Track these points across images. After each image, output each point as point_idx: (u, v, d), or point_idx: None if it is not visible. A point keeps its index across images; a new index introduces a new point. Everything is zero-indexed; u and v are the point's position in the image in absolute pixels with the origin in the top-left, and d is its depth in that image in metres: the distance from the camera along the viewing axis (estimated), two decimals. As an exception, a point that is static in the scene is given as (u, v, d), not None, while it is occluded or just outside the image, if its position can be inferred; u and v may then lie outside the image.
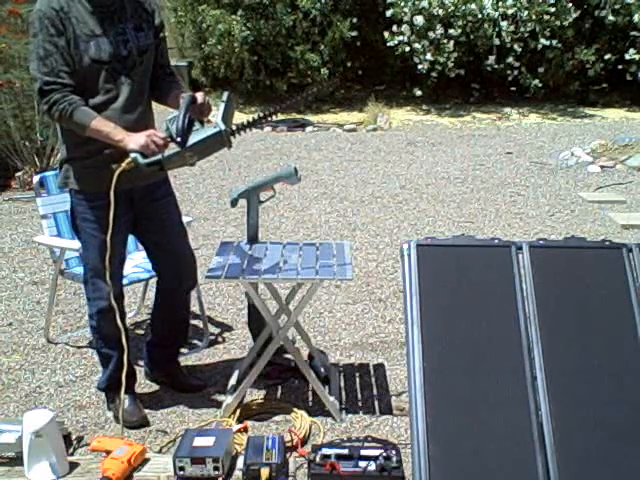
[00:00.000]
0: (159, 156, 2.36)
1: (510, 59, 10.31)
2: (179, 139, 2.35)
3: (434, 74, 10.42)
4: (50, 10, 2.33)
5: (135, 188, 2.55)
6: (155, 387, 2.99)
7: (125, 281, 3.02)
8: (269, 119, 2.49)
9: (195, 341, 3.40)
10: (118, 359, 2.64)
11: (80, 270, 3.08)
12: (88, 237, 2.58)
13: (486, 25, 9.91)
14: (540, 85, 10.58)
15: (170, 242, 2.74)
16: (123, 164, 2.36)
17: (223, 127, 2.38)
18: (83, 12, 2.38)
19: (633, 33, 10.11)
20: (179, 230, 2.79)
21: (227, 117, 2.43)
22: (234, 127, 2.45)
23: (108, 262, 2.47)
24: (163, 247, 2.75)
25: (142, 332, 3.54)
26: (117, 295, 2.63)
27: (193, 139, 2.38)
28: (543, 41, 10.02)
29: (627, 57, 10.12)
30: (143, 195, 2.61)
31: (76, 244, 3.09)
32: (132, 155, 2.35)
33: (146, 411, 2.74)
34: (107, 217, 2.44)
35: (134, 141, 2.35)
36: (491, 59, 10.26)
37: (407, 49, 10.24)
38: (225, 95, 2.47)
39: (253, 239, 2.92)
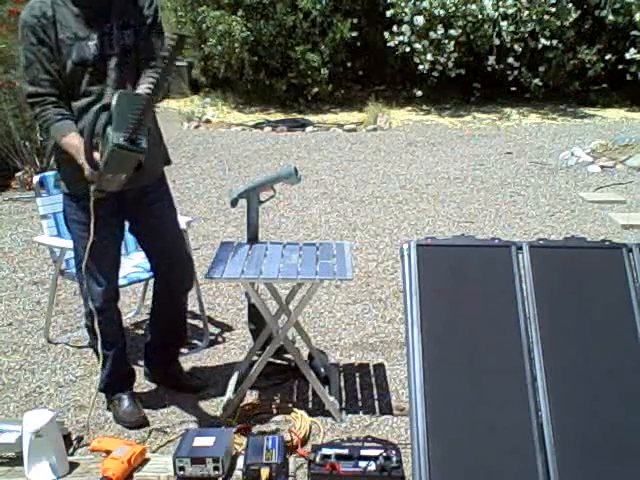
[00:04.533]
0: (94, 185, 2.31)
1: (510, 59, 10.31)
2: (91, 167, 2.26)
3: (434, 74, 10.43)
4: (31, 18, 2.34)
5: (127, 191, 2.48)
6: (155, 387, 2.99)
7: (125, 281, 3.03)
8: (159, 93, 2.13)
9: (195, 341, 3.40)
10: (114, 359, 2.65)
11: (80, 270, 3.09)
12: (77, 238, 2.58)
13: (486, 25, 9.92)
14: (540, 85, 10.59)
15: (165, 245, 2.73)
16: (92, 198, 2.35)
17: (113, 142, 2.09)
18: (68, 15, 2.36)
19: (633, 33, 10.11)
20: (174, 233, 2.77)
21: (123, 124, 2.10)
22: (128, 133, 2.12)
23: (97, 262, 2.51)
24: (158, 249, 2.74)
25: (142, 332, 3.53)
26: (111, 295, 2.63)
27: (102, 161, 2.21)
28: (543, 41, 10.02)
29: (627, 57, 10.11)
30: (136, 197, 2.56)
31: (76, 244, 3.09)
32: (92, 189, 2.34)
33: (146, 411, 2.74)
34: (93, 218, 2.45)
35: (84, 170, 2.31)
36: (491, 59, 10.27)
37: (407, 49, 10.24)
38: (114, 97, 2.14)
39: (253, 239, 2.92)
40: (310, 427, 2.61)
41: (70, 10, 2.36)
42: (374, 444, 2.44)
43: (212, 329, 3.53)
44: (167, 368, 2.99)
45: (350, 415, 2.74)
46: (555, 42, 10.08)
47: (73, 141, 2.35)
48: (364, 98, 11.06)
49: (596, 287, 2.11)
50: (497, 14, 9.84)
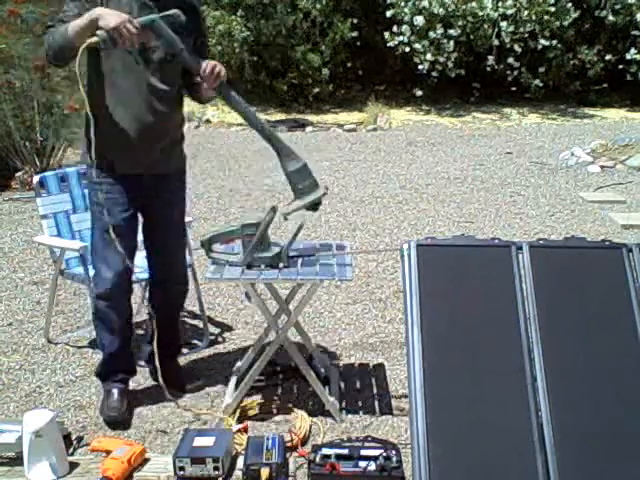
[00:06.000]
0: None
1: (510, 59, 10.31)
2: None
3: (434, 74, 10.43)
4: None
5: (144, 176, 2.58)
6: (155, 387, 2.98)
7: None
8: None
9: (195, 341, 3.40)
10: (112, 349, 2.68)
11: (80, 270, 3.08)
12: (95, 221, 2.63)
13: (486, 25, 9.92)
14: (540, 85, 10.58)
15: (162, 241, 2.76)
16: (89, 40, 2.27)
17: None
18: None
19: (634, 32, 10.12)
20: (175, 231, 2.79)
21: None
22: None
23: (109, 246, 2.54)
24: (155, 243, 2.77)
25: (142, 332, 3.53)
26: (119, 283, 2.62)
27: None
28: (543, 41, 10.02)
29: (628, 57, 10.12)
30: (154, 184, 2.61)
31: (76, 244, 3.09)
32: (98, 33, 2.24)
33: (146, 411, 2.74)
34: (110, 201, 2.52)
35: (106, 20, 2.23)
36: (491, 59, 10.28)
37: (407, 49, 10.25)
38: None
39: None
40: (310, 427, 2.61)
41: None
42: (374, 444, 2.44)
43: (212, 329, 3.53)
44: (164, 367, 2.98)
45: (350, 415, 2.74)
46: (555, 42, 10.08)
47: (79, 19, 2.29)
48: (364, 98, 11.06)
49: (596, 287, 2.11)
50: (497, 14, 9.84)
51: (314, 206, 2.62)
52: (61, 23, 2.37)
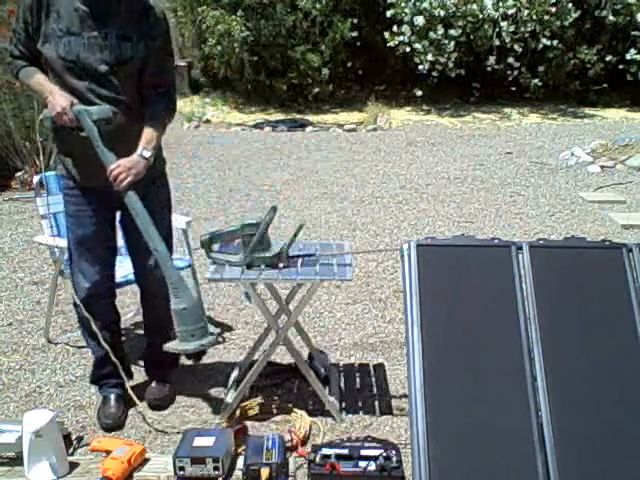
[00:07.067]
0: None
1: (510, 59, 10.32)
2: None
3: (434, 74, 10.43)
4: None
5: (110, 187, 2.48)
6: (155, 387, 2.98)
7: (125, 281, 3.02)
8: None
9: (195, 341, 3.40)
10: (98, 355, 2.70)
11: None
12: (68, 231, 2.63)
13: (486, 25, 9.93)
14: (540, 85, 10.59)
15: (138, 247, 2.63)
16: (40, 117, 2.46)
17: None
18: (67, 7, 2.36)
19: (634, 33, 10.12)
20: (160, 233, 2.72)
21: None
22: None
23: (84, 256, 2.58)
24: (133, 249, 2.72)
25: (142, 332, 3.53)
26: (97, 292, 2.61)
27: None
28: (544, 41, 10.03)
29: (628, 57, 10.12)
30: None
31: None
32: (43, 114, 2.44)
33: (146, 411, 2.74)
34: (80, 213, 2.54)
35: (52, 106, 2.36)
36: (491, 59, 10.28)
37: (407, 49, 10.25)
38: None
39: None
40: (310, 427, 2.61)
41: (72, 3, 2.36)
42: (374, 444, 2.44)
43: (212, 329, 3.52)
44: (169, 367, 2.98)
45: (350, 415, 2.74)
46: (555, 42, 10.09)
47: (41, 81, 2.43)
48: (364, 98, 11.07)
49: (596, 287, 2.11)
50: (497, 14, 9.85)
51: (195, 355, 2.46)
52: (15, 50, 2.48)
